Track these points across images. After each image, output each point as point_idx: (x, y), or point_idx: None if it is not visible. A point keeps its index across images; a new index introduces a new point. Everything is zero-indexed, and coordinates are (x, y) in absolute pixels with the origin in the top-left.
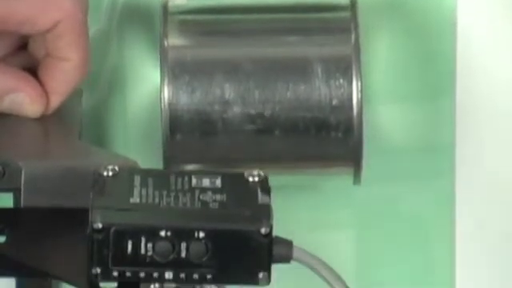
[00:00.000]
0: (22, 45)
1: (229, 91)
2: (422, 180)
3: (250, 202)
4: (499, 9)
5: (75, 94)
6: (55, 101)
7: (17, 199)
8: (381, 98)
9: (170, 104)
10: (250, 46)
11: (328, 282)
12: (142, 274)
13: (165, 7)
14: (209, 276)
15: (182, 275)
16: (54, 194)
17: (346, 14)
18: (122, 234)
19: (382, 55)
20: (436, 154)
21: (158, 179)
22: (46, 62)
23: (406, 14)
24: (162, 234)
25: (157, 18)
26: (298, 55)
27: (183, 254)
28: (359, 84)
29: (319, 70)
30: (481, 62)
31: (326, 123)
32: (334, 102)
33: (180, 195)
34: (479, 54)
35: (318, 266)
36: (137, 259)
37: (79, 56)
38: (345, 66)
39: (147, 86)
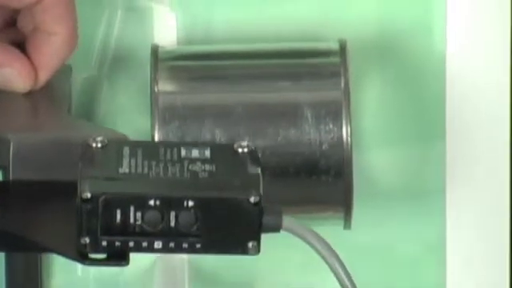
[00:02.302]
0: (11, 21)
1: (219, 136)
2: (413, 224)
3: (240, 172)
4: (487, 53)
5: (64, 70)
6: (44, 75)
7: (5, 172)
8: (371, 142)
9: None
10: (240, 91)
11: (319, 252)
12: (131, 244)
13: (155, 53)
14: (198, 245)
15: (172, 244)
16: (43, 167)
17: (335, 59)
18: (111, 204)
19: (372, 99)
20: (427, 197)
21: (148, 150)
22: (34, 37)
23: (396, 59)
24: (151, 203)
25: (147, 64)
26: (287, 100)
27: (172, 223)
28: (349, 129)
29: (309, 115)
30: (470, 105)
31: (316, 168)
32: (324, 147)
33: (169, 165)
34: (469, 98)
35: (308, 235)
36: (126, 229)
37: (67, 30)
38: (334, 111)
39: (138, 132)
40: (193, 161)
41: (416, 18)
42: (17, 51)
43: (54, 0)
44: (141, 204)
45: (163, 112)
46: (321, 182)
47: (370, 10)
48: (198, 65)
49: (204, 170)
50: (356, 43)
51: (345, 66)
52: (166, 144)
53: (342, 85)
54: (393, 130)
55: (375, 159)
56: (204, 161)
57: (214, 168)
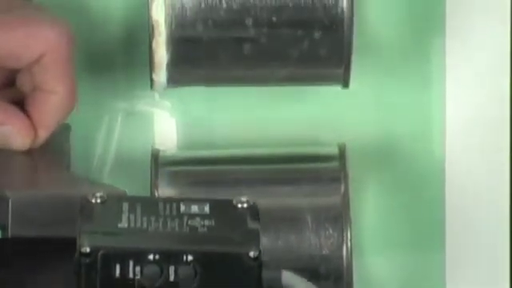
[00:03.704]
0: (10, 80)
1: None
2: None
3: (239, 227)
4: (486, 159)
5: (63, 129)
6: (43, 134)
7: (4, 229)
8: (371, 247)
9: None
10: (241, 196)
11: None
12: None
13: (155, 158)
14: None
15: None
16: (42, 224)
17: (335, 165)
18: (110, 258)
19: (372, 204)
20: None
21: (147, 206)
22: (34, 96)
23: (395, 164)
24: (150, 257)
25: (147, 169)
26: (288, 205)
27: (172, 278)
28: (349, 234)
29: (309, 220)
30: (470, 212)
31: (317, 273)
32: (324, 252)
33: (168, 220)
34: (468, 204)
35: None
36: (125, 283)
37: (66, 88)
38: (334, 216)
39: None
40: (192, 216)
41: (415, 123)
42: (16, 110)
43: (53, 60)
44: (140, 258)
45: None
46: (321, 287)
47: (369, 114)
48: (198, 170)
49: (203, 225)
50: (356, 148)
51: (344, 171)
52: (165, 200)
53: (342, 190)
54: (393, 235)
55: (375, 264)
56: (203, 216)
57: (213, 223)
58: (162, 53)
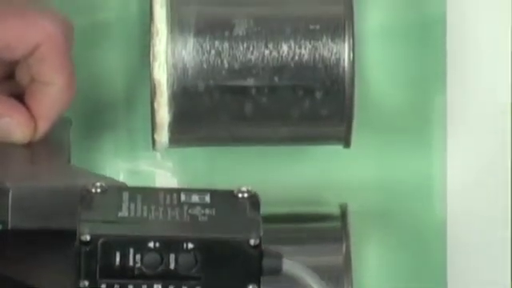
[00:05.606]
0: (9, 74)
1: None
2: None
3: (239, 216)
4: (488, 217)
5: (63, 123)
6: (43, 126)
7: (4, 221)
8: None
9: None
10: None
11: None
12: (131, 287)
13: None
14: None
15: (171, 287)
16: (42, 216)
17: (336, 225)
18: (110, 246)
19: (374, 264)
20: None
21: (147, 195)
22: (32, 88)
23: (397, 224)
24: (151, 245)
25: None
26: None
27: (172, 266)
28: None
29: None
30: (472, 269)
31: None
32: None
33: (169, 209)
34: (470, 262)
35: (309, 279)
36: (125, 271)
37: (64, 79)
38: (336, 276)
39: None
40: (192, 205)
41: (416, 183)
42: (15, 102)
43: (48, 50)
44: (140, 246)
45: None
46: None
47: (370, 174)
48: None
49: (204, 214)
50: (357, 208)
51: (346, 231)
52: (165, 190)
53: (344, 250)
54: None
55: None
56: (204, 205)
57: (213, 212)
58: (163, 113)
